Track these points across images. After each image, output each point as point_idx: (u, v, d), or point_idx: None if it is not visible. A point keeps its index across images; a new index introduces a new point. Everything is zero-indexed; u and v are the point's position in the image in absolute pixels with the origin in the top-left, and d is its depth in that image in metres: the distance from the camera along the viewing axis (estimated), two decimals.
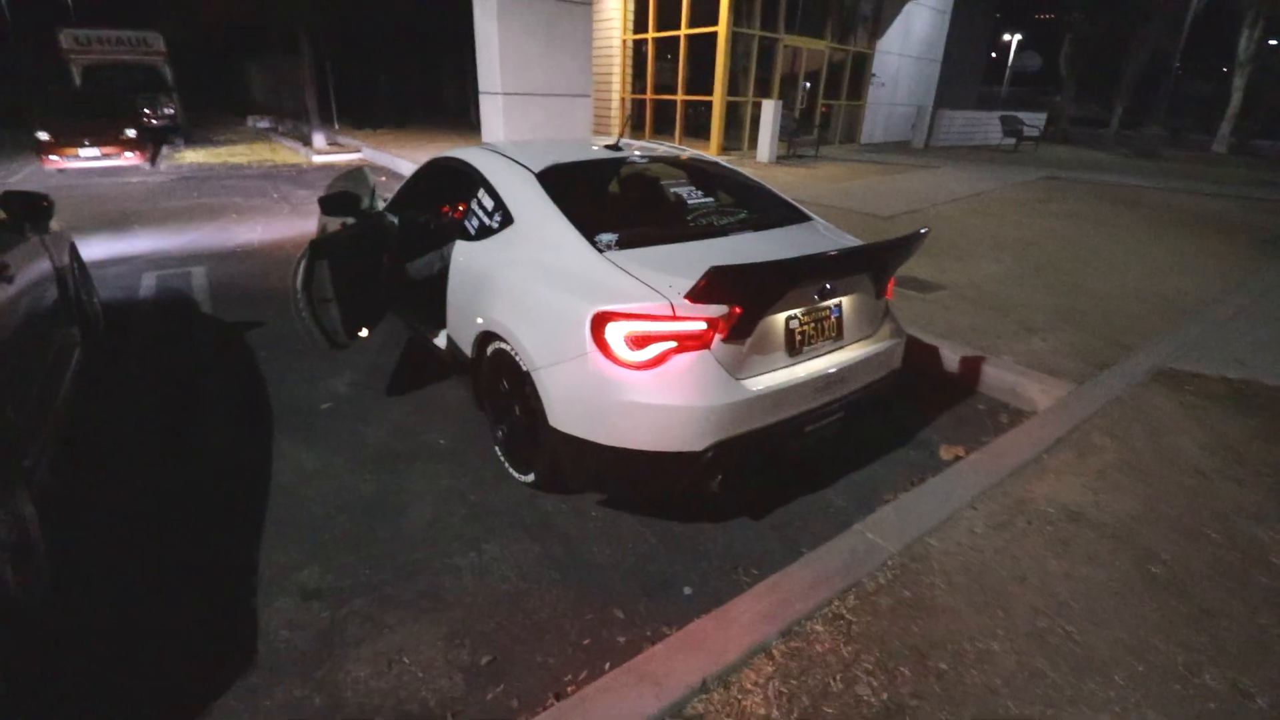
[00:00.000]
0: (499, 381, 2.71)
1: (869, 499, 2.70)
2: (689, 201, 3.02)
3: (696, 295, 2.00)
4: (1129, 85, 22.66)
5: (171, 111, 17.79)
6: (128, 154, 12.00)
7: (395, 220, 3.50)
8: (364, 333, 3.11)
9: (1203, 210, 8.92)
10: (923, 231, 2.47)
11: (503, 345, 2.55)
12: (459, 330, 2.95)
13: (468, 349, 2.86)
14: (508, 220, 2.72)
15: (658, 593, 2.18)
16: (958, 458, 2.99)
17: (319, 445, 3.01)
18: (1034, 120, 18.75)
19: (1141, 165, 14.87)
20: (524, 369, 2.40)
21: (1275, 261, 6.29)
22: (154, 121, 16.85)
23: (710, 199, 3.09)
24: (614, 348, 2.13)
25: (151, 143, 13.72)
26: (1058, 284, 5.33)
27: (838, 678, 1.73)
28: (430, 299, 3.23)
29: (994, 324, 4.35)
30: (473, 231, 2.93)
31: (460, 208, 3.57)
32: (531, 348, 2.34)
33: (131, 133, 12.09)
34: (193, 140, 16.99)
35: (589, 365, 2.15)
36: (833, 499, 2.71)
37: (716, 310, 2.11)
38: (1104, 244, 6.78)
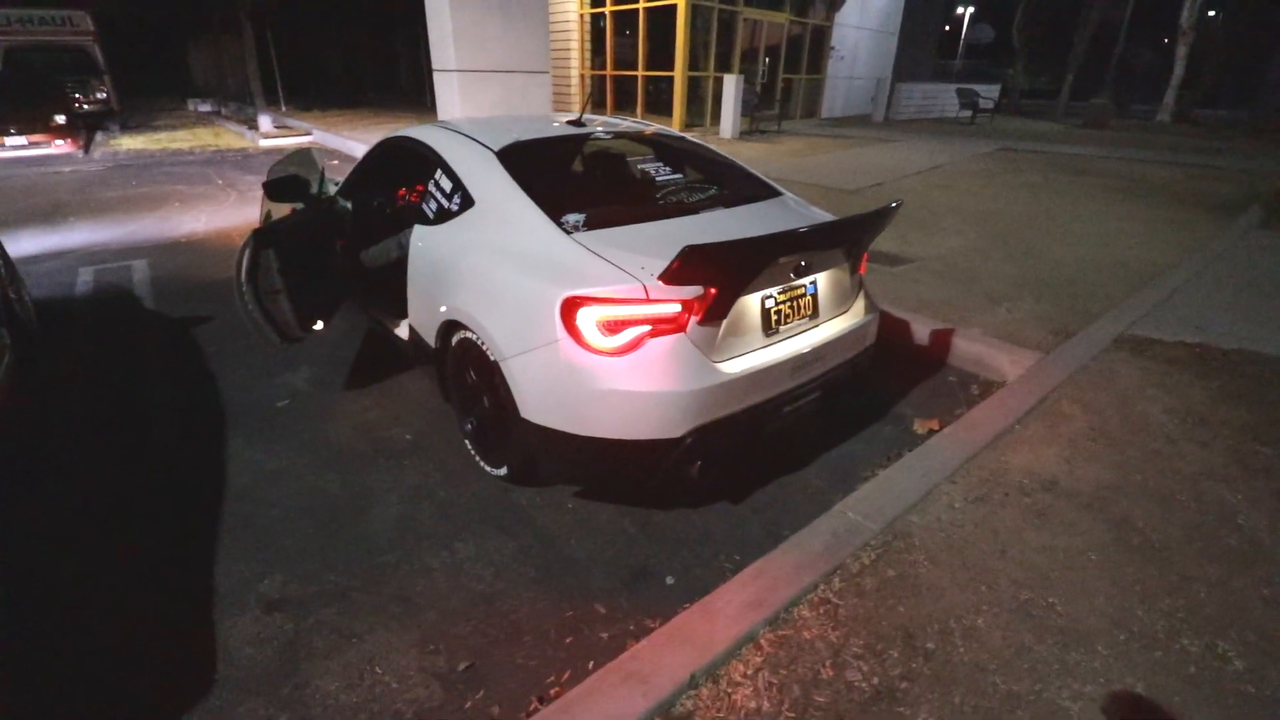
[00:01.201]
0: (466, 372, 2.60)
1: (847, 477, 2.68)
2: (657, 179, 2.92)
3: (671, 276, 1.92)
4: (1078, 56, 23.10)
5: (104, 95, 16.84)
6: (58, 142, 11.35)
7: (348, 205, 3.33)
8: (319, 325, 2.95)
9: (1152, 178, 9.14)
10: (896, 204, 2.42)
11: (468, 334, 2.43)
12: (421, 320, 2.82)
13: (431, 339, 2.74)
14: (468, 202, 2.59)
15: (639, 585, 2.12)
16: (932, 431, 2.99)
17: (277, 445, 2.86)
18: (989, 93, 19.01)
19: (1091, 135, 15.20)
20: (492, 359, 2.29)
21: (1223, 228, 6.48)
22: (85, 106, 15.94)
23: (679, 175, 2.99)
24: (586, 334, 2.04)
25: (84, 129, 12.99)
26: (1019, 254, 5.39)
27: (827, 664, 1.70)
28: (389, 288, 3.08)
29: (961, 296, 4.37)
30: (431, 215, 2.79)
31: (418, 190, 3.40)
32: (499, 336, 2.23)
33: (61, 119, 11.43)
34: (130, 126, 16.10)
35: (560, 353, 2.06)
36: (811, 479, 2.68)
37: (691, 292, 2.03)
38: (1061, 213, 6.89)
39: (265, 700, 1.72)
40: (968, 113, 17.59)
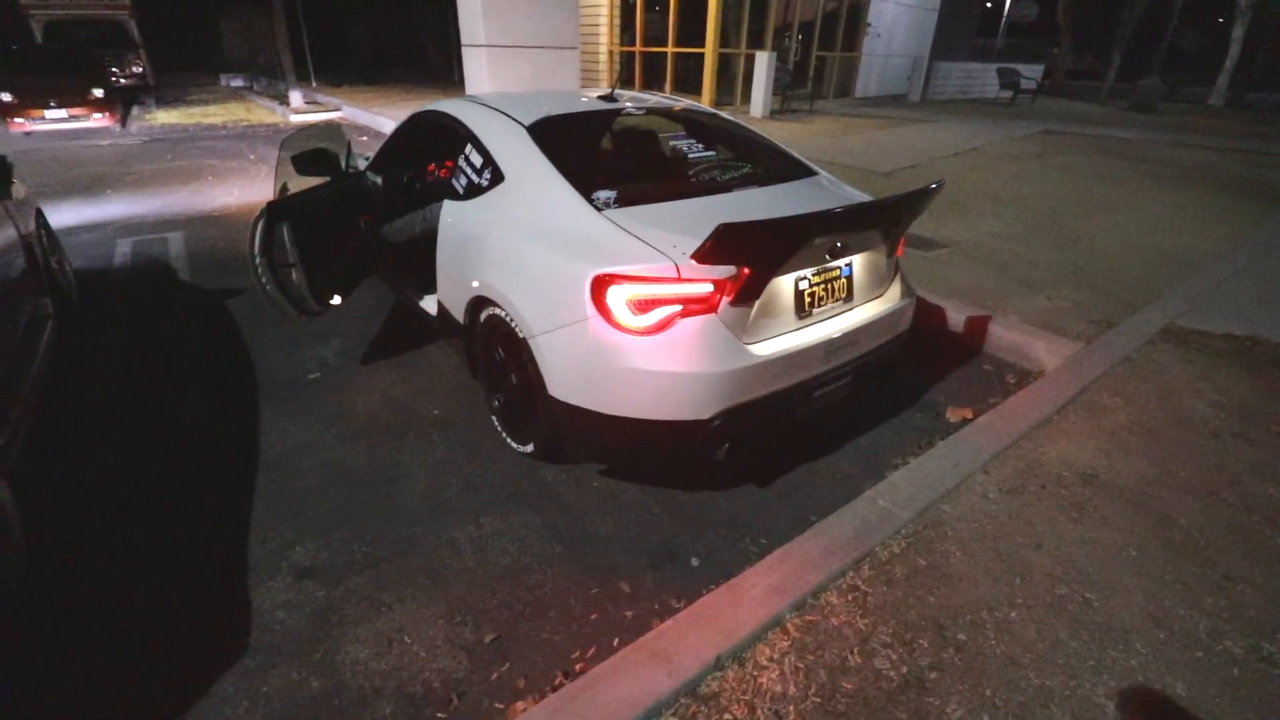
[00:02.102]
0: (494, 349, 2.59)
1: (876, 464, 2.63)
2: (689, 155, 2.86)
3: (704, 255, 1.88)
4: (1126, 35, 22.20)
5: (140, 70, 17.07)
6: (96, 115, 11.52)
7: (378, 180, 3.33)
8: (336, 300, 2.96)
9: (1201, 164, 8.78)
10: (936, 185, 2.34)
11: (497, 311, 2.43)
12: (450, 296, 2.82)
13: (460, 315, 2.74)
14: (498, 178, 2.57)
15: (664, 565, 2.12)
16: (965, 420, 2.93)
17: (307, 417, 2.90)
18: (1031, 73, 18.35)
19: (1138, 119, 14.62)
20: (520, 336, 2.28)
21: (1275, 217, 6.21)
22: (122, 81, 16.18)
23: (711, 153, 2.93)
24: (615, 312, 2.02)
25: (121, 103, 13.18)
26: (1059, 240, 5.23)
27: (855, 651, 1.68)
28: (418, 263, 3.09)
29: (997, 282, 4.26)
30: (461, 191, 2.78)
31: (447, 165, 3.39)
32: (528, 313, 2.22)
33: (99, 92, 11.59)
34: (164, 100, 16.32)
35: (589, 331, 2.04)
36: (840, 465, 2.65)
37: (724, 271, 1.99)
38: (1104, 199, 6.66)
39: (298, 664, 1.76)
40: (1008, 93, 17.02)
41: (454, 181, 2.84)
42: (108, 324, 3.86)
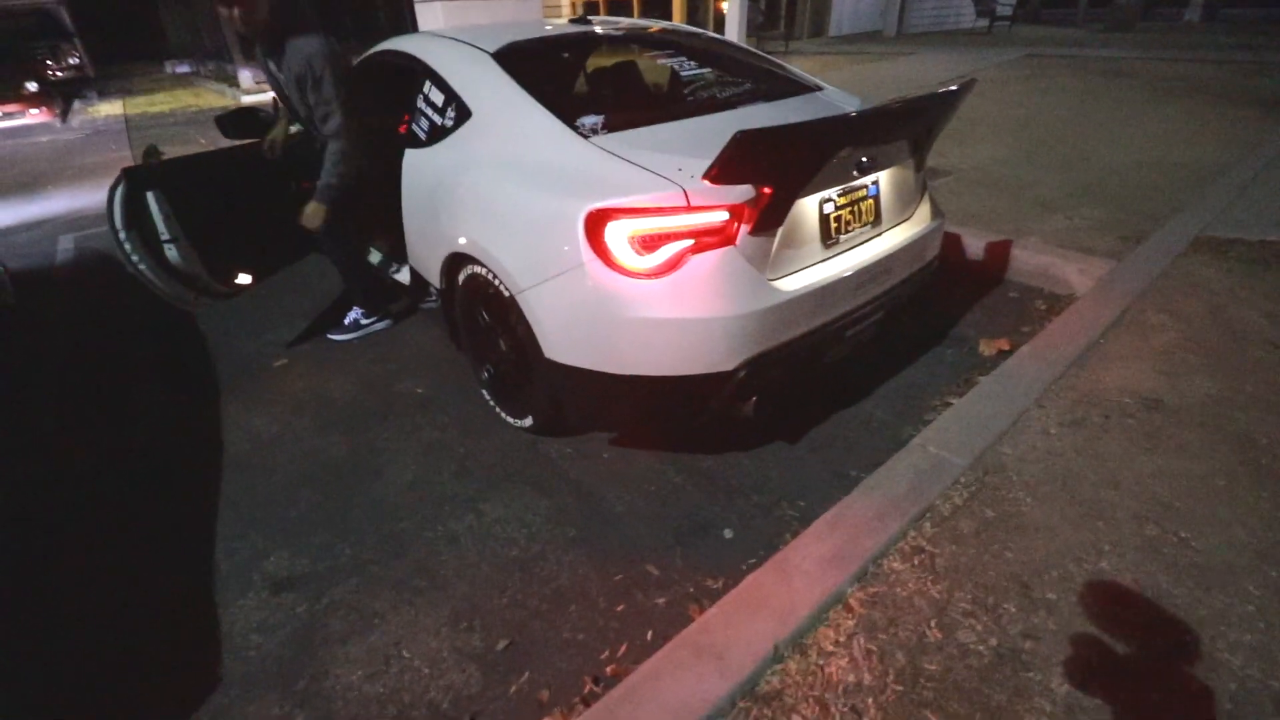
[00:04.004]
0: (478, 313, 2.29)
1: (914, 408, 2.38)
2: (682, 74, 2.52)
3: (719, 173, 1.57)
4: None
5: (77, 61, 16.15)
6: (33, 111, 10.85)
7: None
8: (245, 279, 2.63)
9: (1191, 77, 8.47)
10: (970, 80, 2.04)
11: (478, 269, 2.11)
12: (422, 258, 2.49)
13: (435, 279, 2.42)
14: (464, 114, 2.22)
15: (694, 540, 1.86)
16: (1002, 352, 2.67)
17: (276, 407, 2.59)
18: (1006, 0, 17.80)
19: (1118, 38, 14.21)
20: (506, 293, 1.97)
21: (1278, 123, 5.95)
22: (58, 73, 15.28)
23: (705, 70, 2.59)
24: (616, 253, 1.71)
25: (60, 97, 12.42)
26: (1065, 160, 4.94)
27: (933, 624, 1.43)
28: (383, 227, 2.75)
29: (1009, 206, 3.97)
30: (423, 136, 2.43)
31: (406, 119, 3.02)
32: (513, 266, 1.91)
33: (33, 87, 10.89)
34: (107, 92, 15.43)
35: (587, 278, 1.74)
36: (873, 412, 2.38)
37: (741, 195, 1.69)
38: (1101, 116, 6.36)
39: (278, 695, 1.49)
40: (984, 22, 16.51)
41: (414, 126, 2.49)
42: (52, 323, 3.49)
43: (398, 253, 2.72)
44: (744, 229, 1.73)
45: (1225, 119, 6.13)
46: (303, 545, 1.91)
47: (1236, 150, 5.08)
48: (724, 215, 1.70)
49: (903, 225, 2.25)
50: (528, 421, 2.23)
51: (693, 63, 2.58)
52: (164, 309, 3.53)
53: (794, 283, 1.85)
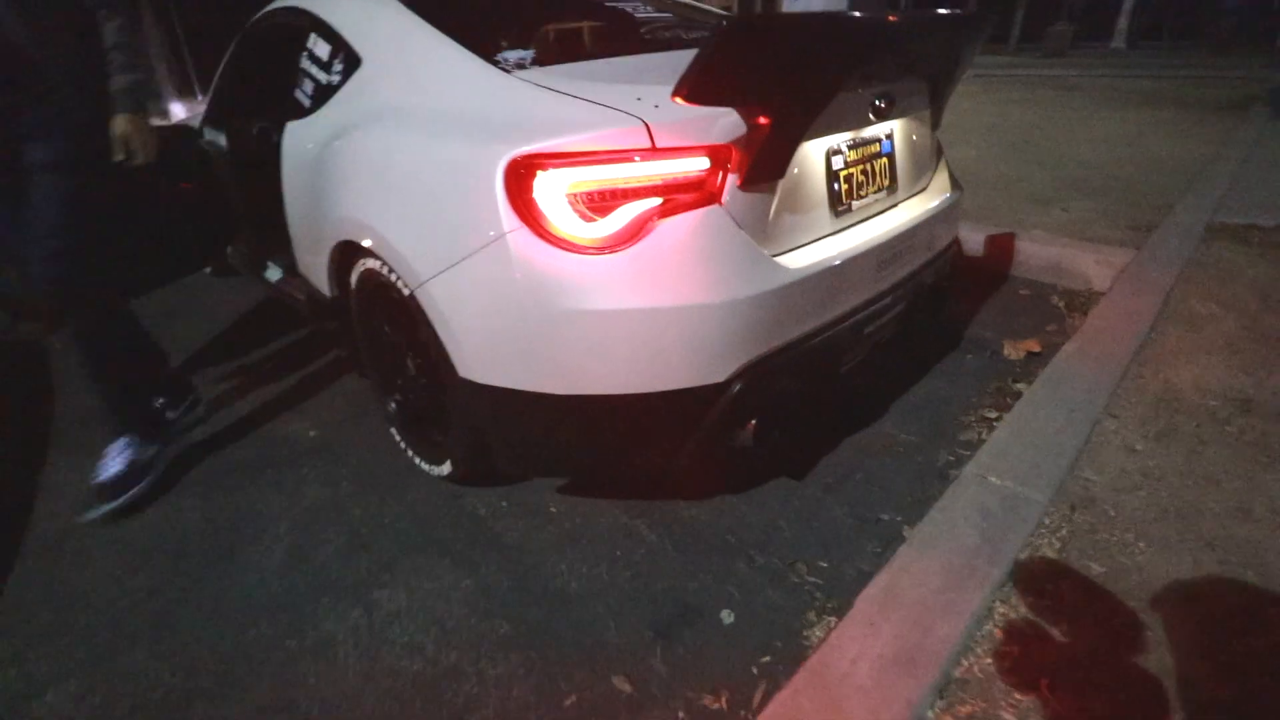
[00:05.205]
0: (377, 324, 1.72)
1: (943, 426, 1.88)
2: (637, 15, 2.03)
3: (698, 82, 1.06)
4: None
5: None
6: None
7: (219, 138, 2.41)
8: None
9: (1140, 89, 8.56)
10: (992, 11, 1.61)
11: (371, 262, 1.55)
12: (308, 258, 1.92)
13: (325, 284, 1.85)
14: (353, 63, 1.69)
15: (679, 629, 1.29)
16: (1031, 354, 2.23)
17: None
18: None
19: (1056, 62, 14.70)
20: (405, 290, 1.42)
21: (1239, 123, 5.90)
22: None
23: (666, 15, 2.11)
24: (551, 217, 1.18)
25: None
26: (1044, 159, 4.68)
27: None
28: (268, 229, 2.18)
29: (1000, 200, 3.62)
30: (306, 102, 1.88)
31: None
32: (408, 248, 1.36)
33: None
34: None
35: (510, 256, 1.20)
36: (892, 432, 1.88)
37: (726, 130, 1.19)
38: (1066, 122, 6.22)
39: None
40: None
41: (296, 94, 1.94)
42: None
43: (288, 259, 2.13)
44: (731, 181, 1.22)
45: (1185, 120, 6.07)
46: (106, 671, 1.28)
47: (1208, 146, 4.92)
48: (703, 161, 1.20)
49: (919, 196, 1.79)
50: (445, 468, 1.65)
51: (650, 8, 2.11)
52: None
53: (801, 259, 1.35)
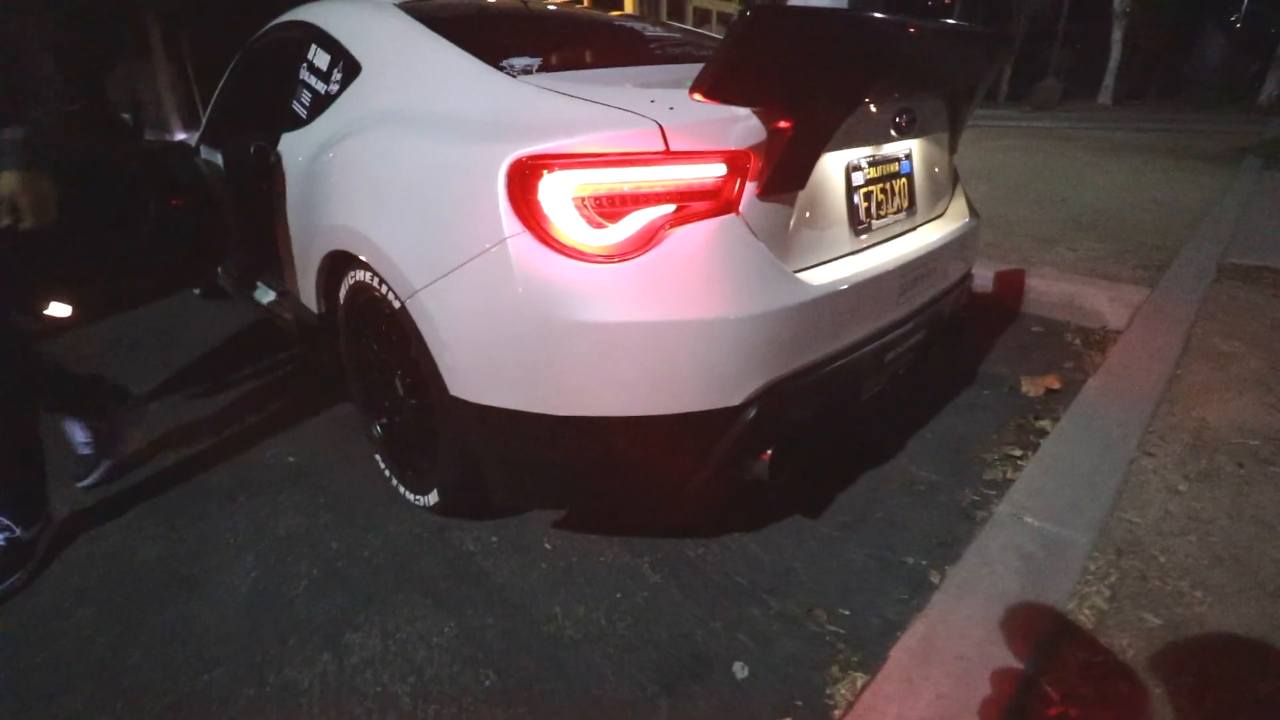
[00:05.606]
0: (366, 341, 1.62)
1: (965, 464, 1.77)
2: (645, 34, 1.99)
3: (720, 77, 0.99)
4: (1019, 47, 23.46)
5: None
6: None
7: (215, 157, 2.35)
8: (61, 310, 1.87)
9: (1131, 141, 8.73)
10: (1013, 36, 1.56)
11: (361, 274, 1.46)
12: (298, 273, 1.82)
13: (313, 301, 1.75)
14: (352, 71, 1.63)
15: (688, 683, 1.15)
16: (1050, 391, 2.13)
17: (71, 489, 1.80)
18: None
19: (1045, 115, 15.07)
20: (396, 303, 1.32)
21: (1234, 172, 5.98)
22: None
23: (674, 35, 2.07)
24: (557, 223, 1.09)
25: None
26: (1044, 202, 4.69)
27: None
28: (256, 245, 2.09)
29: (1006, 240, 3.58)
30: (304, 113, 1.81)
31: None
32: (401, 255, 1.26)
33: None
34: None
35: (511, 264, 1.10)
36: (911, 469, 1.76)
37: (744, 136, 1.11)
38: (1064, 169, 6.28)
39: None
40: None
41: (294, 105, 1.88)
42: None
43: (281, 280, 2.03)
44: (750, 189, 1.14)
45: (1179, 169, 6.14)
46: (38, 714, 1.13)
47: (1206, 192, 4.96)
48: (720, 168, 1.12)
49: (937, 221, 1.72)
50: (432, 498, 1.52)
51: (658, 29, 2.07)
52: None
53: (822, 276, 1.26)
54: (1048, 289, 2.85)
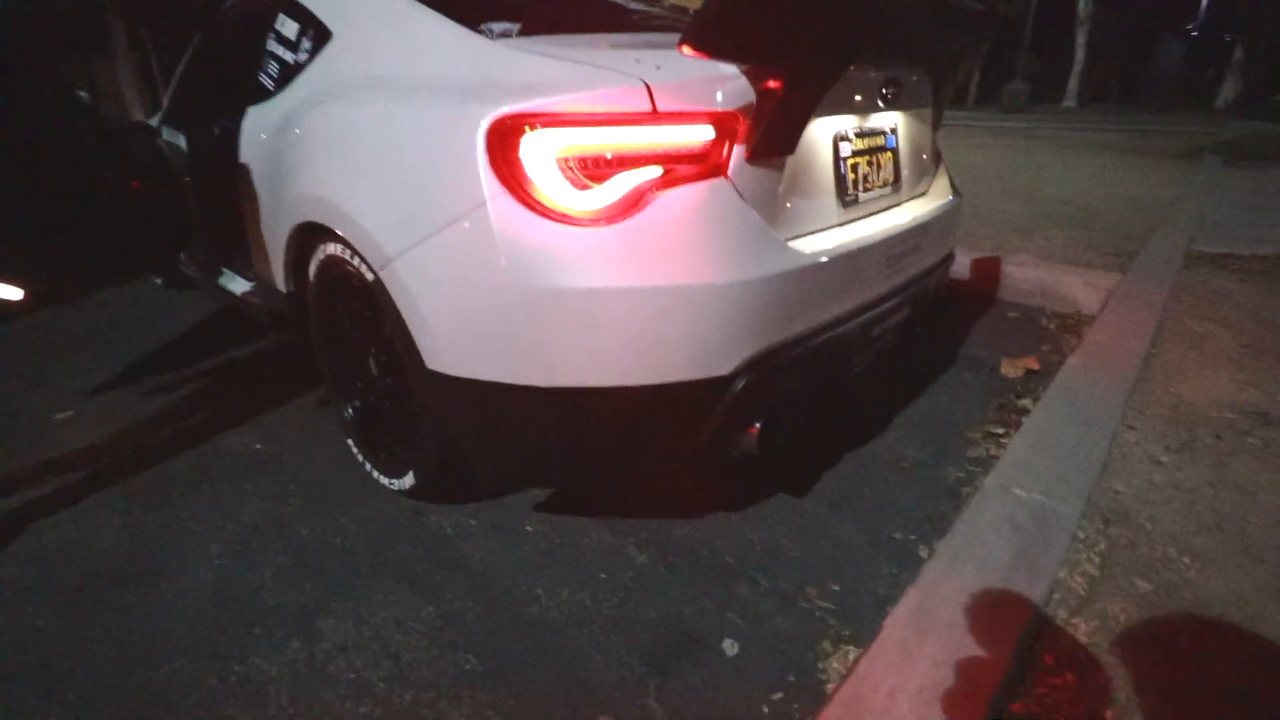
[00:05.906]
0: (338, 318, 1.55)
1: (949, 442, 1.76)
2: (629, 6, 1.95)
3: (710, 29, 0.95)
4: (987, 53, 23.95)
5: None
6: None
7: (179, 138, 2.25)
8: (8, 292, 1.78)
9: (1097, 140, 8.96)
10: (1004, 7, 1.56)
11: (332, 247, 1.40)
12: (265, 251, 1.75)
13: (281, 279, 1.68)
14: (322, 38, 1.56)
15: (676, 662, 1.12)
16: (1030, 372, 2.14)
17: (35, 478, 1.70)
18: None
19: (1013, 116, 15.40)
20: (370, 275, 1.26)
21: (1196, 168, 6.17)
22: None
23: (657, 10, 2.03)
24: (540, 184, 1.05)
25: None
26: (1016, 195, 4.77)
27: None
28: (220, 229, 2.01)
29: (982, 230, 3.62)
30: (271, 86, 1.74)
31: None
32: (375, 222, 1.21)
33: None
34: None
35: (491, 228, 1.06)
36: (896, 448, 1.75)
37: (733, 97, 1.08)
38: (1033, 165, 6.42)
39: None
40: None
41: (260, 77, 1.80)
42: None
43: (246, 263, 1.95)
44: (738, 153, 1.11)
45: (1143, 166, 6.31)
46: None
47: (1171, 187, 5.10)
48: (708, 130, 1.09)
49: (921, 198, 1.72)
50: (407, 481, 1.46)
51: (639, 3, 2.03)
52: None
53: (811, 245, 1.23)
54: (1023, 275, 2.88)
